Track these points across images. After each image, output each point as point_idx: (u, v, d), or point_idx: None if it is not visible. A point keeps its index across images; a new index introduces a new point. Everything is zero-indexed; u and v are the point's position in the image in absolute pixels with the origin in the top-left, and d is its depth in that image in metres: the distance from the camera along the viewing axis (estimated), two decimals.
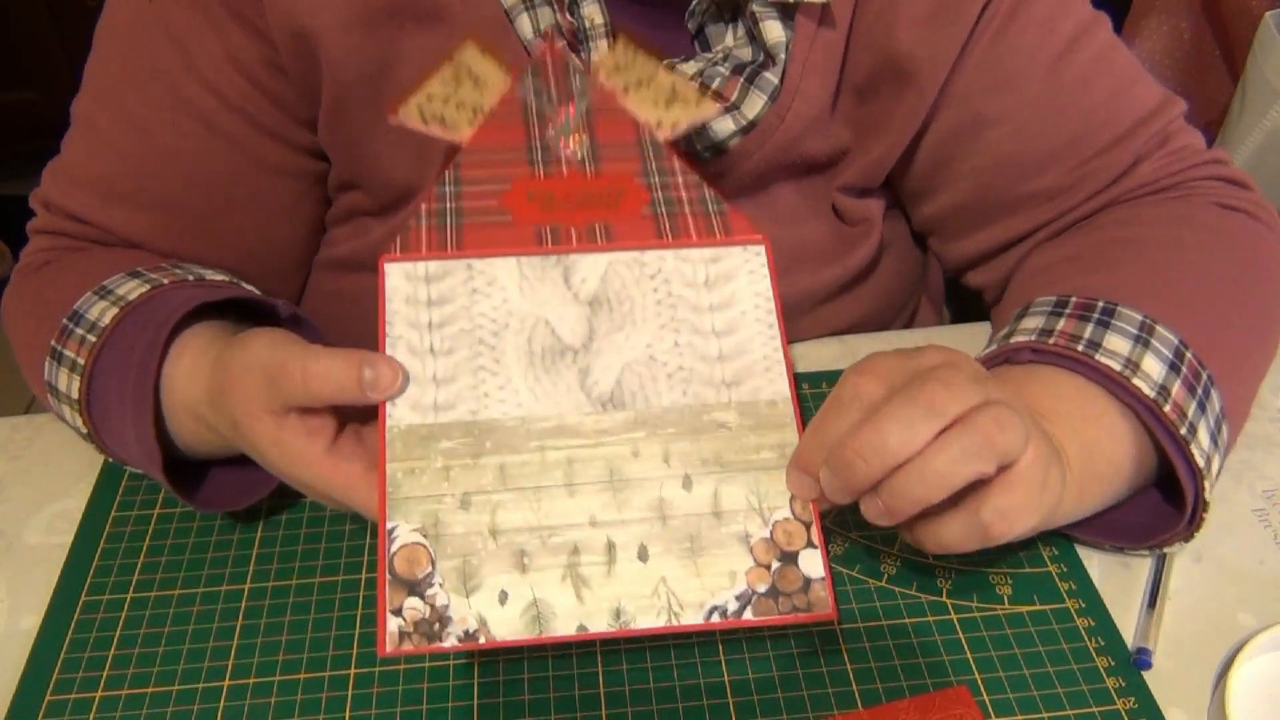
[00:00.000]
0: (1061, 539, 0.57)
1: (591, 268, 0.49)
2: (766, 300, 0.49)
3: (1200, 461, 0.51)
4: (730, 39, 0.62)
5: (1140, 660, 0.51)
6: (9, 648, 0.54)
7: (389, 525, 0.44)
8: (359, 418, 0.49)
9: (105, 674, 0.52)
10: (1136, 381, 0.51)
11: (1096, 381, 0.53)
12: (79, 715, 0.51)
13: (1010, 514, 0.44)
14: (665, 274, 0.49)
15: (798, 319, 0.71)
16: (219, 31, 0.60)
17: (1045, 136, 0.64)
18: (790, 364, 0.47)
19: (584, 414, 0.46)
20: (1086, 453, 0.51)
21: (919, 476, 0.42)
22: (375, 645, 0.43)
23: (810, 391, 0.67)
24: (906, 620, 0.54)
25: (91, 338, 0.55)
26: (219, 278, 0.61)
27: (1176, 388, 0.52)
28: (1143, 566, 0.57)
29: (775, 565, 0.44)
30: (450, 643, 0.42)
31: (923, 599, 0.55)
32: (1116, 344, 0.53)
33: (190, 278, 0.59)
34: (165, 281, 0.58)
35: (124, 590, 0.56)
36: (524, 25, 0.59)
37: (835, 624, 0.53)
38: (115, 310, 0.56)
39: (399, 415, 0.46)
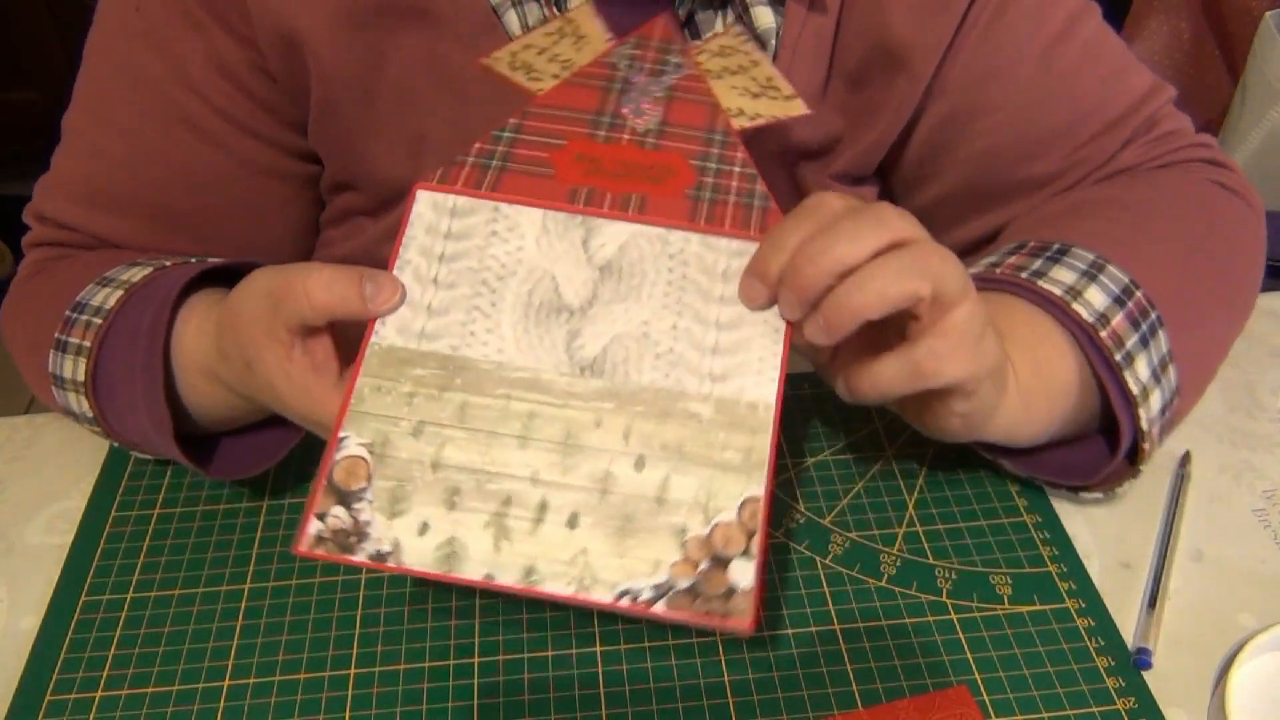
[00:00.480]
0: (1061, 538, 0.58)
1: (614, 235, 0.49)
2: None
3: (1135, 390, 0.52)
4: (720, 26, 0.62)
5: (1140, 660, 0.51)
6: (9, 648, 0.54)
7: (341, 434, 0.44)
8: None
9: (105, 674, 0.52)
10: (1076, 307, 0.53)
11: (1041, 307, 0.55)
12: (79, 715, 0.51)
13: (943, 355, 0.45)
14: (686, 256, 0.48)
15: None
16: (204, 37, 0.60)
17: (1037, 124, 0.65)
18: (784, 374, 0.46)
19: (560, 374, 0.46)
20: (1034, 369, 0.53)
21: (858, 287, 0.43)
22: (294, 543, 0.43)
23: (810, 392, 0.67)
24: (906, 620, 0.54)
25: (97, 321, 0.56)
26: (220, 261, 0.61)
27: (1118, 318, 0.53)
28: (1143, 566, 0.57)
29: (704, 565, 0.43)
30: (360, 558, 0.43)
31: (923, 599, 0.55)
32: (1061, 274, 0.55)
33: (191, 260, 0.59)
34: (167, 264, 0.58)
35: (124, 590, 0.56)
36: (511, 21, 0.59)
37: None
38: (120, 293, 0.56)
39: (384, 334, 0.46)
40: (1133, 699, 0.50)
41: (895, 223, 0.45)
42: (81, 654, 0.53)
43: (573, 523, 0.44)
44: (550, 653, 0.52)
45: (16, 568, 0.58)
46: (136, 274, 0.58)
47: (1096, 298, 0.54)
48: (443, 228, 0.48)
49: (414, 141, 0.62)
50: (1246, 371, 0.68)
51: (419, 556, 0.43)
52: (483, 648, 0.53)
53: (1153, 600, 0.54)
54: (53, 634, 0.54)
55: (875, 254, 0.44)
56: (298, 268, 0.47)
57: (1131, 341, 0.53)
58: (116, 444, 0.61)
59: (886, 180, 0.73)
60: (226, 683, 0.52)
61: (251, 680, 0.52)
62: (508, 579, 0.42)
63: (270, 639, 0.54)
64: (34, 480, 0.64)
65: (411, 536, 0.43)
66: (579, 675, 0.52)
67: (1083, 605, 0.54)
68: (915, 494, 0.60)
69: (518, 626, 0.54)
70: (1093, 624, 0.53)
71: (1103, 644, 0.53)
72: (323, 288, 0.46)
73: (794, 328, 0.46)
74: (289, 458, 0.59)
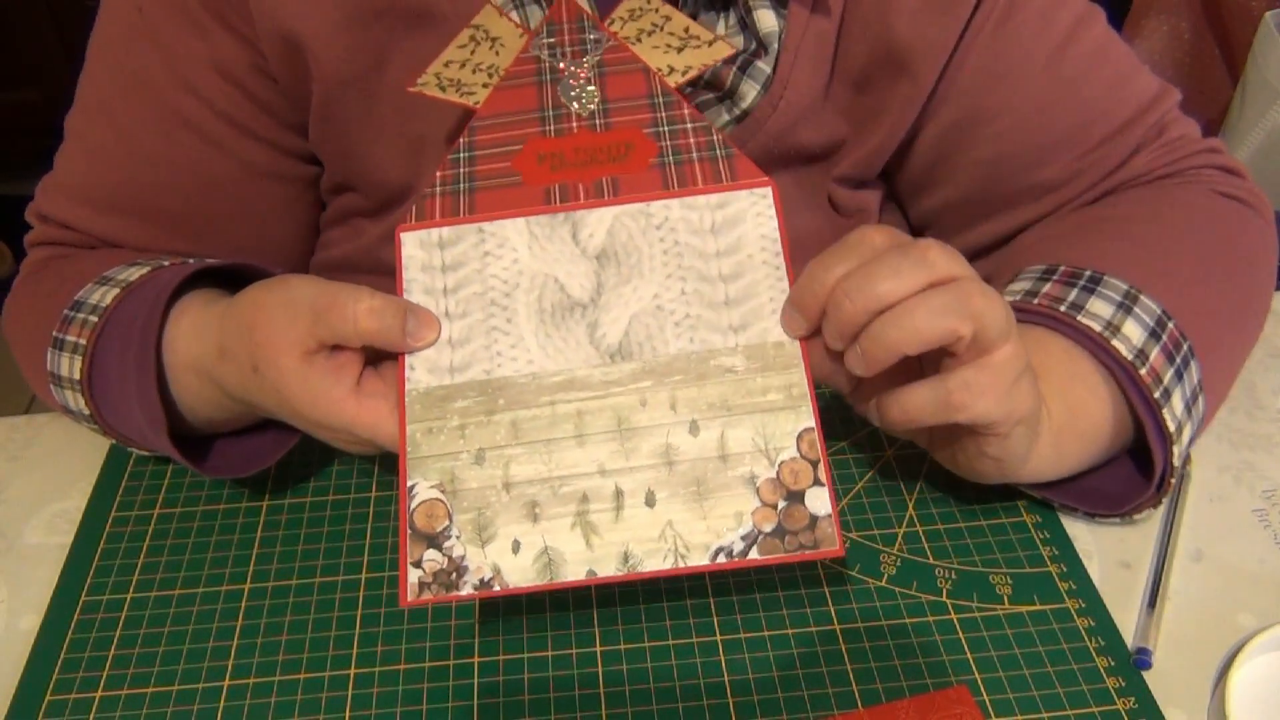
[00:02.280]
0: (1061, 538, 0.58)
1: (598, 222, 0.50)
2: (774, 243, 0.50)
3: (1171, 426, 0.52)
4: (722, 28, 0.62)
5: (1140, 660, 0.51)
6: (9, 648, 0.54)
7: (409, 483, 0.46)
8: (377, 358, 0.50)
9: (105, 674, 0.52)
10: (1116, 343, 0.53)
11: (1078, 343, 0.54)
12: (79, 715, 0.51)
13: (975, 389, 0.46)
14: (671, 223, 0.49)
15: None
16: (206, 39, 0.60)
17: (1045, 129, 0.65)
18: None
19: (593, 366, 0.47)
20: (1069, 410, 0.53)
21: (896, 323, 0.44)
22: (398, 598, 0.45)
23: (828, 389, 0.67)
24: (906, 620, 0.54)
25: (93, 319, 0.56)
26: (218, 261, 0.61)
27: (1155, 353, 0.53)
28: (1143, 566, 0.57)
29: (781, 505, 0.44)
30: (467, 590, 0.44)
31: (923, 599, 0.55)
32: (1099, 308, 0.54)
33: (190, 261, 0.60)
34: (165, 263, 0.59)
35: (124, 590, 0.56)
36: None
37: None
38: (116, 291, 0.57)
39: (417, 379, 0.47)
40: (1133, 699, 0.50)
41: (940, 261, 0.45)
42: (81, 654, 0.53)
43: (650, 500, 0.45)
44: (550, 653, 0.52)
45: (16, 568, 0.58)
46: (134, 274, 0.58)
47: (1134, 332, 0.53)
48: (437, 262, 0.49)
49: (414, 143, 0.62)
50: (1247, 371, 0.68)
51: (521, 574, 0.44)
52: (483, 648, 0.53)
53: (1153, 600, 0.54)
54: (53, 634, 0.54)
55: (917, 291, 0.44)
56: (345, 289, 0.47)
57: (1168, 377, 0.53)
58: (115, 441, 0.61)
59: (892, 184, 0.73)
60: (226, 683, 0.52)
61: (251, 680, 0.52)
62: (608, 570, 0.44)
63: (270, 639, 0.54)
64: (34, 480, 0.64)
65: (508, 557, 0.44)
66: (579, 675, 0.52)
67: (1083, 605, 0.54)
68: (915, 494, 0.60)
69: (518, 626, 0.54)
70: (1093, 624, 0.53)
71: (1103, 644, 0.53)
72: (371, 315, 0.46)
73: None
74: (289, 458, 0.59)
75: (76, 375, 0.56)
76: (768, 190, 0.50)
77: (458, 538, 0.45)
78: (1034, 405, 0.49)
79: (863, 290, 0.44)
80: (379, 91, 0.61)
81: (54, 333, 0.57)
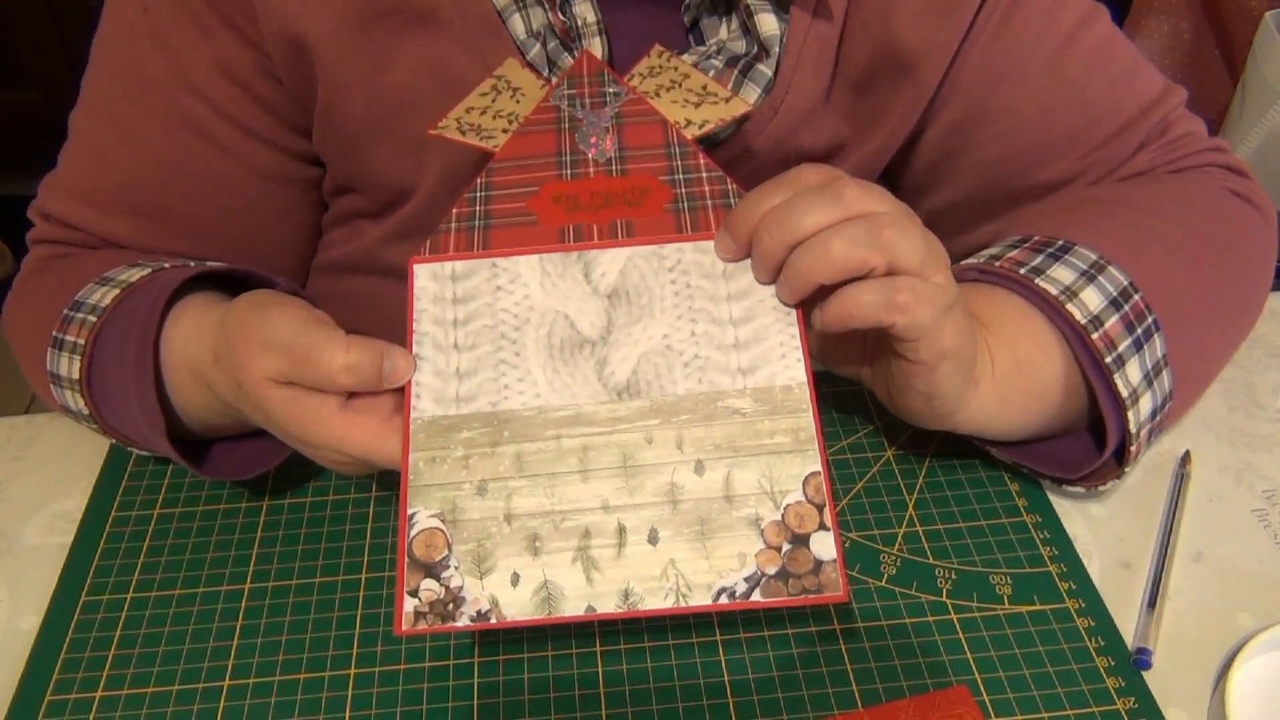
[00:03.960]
0: (1061, 538, 0.58)
1: (611, 262, 0.50)
2: None
3: (1124, 393, 0.53)
4: (724, 32, 0.62)
5: (1140, 660, 0.51)
6: (9, 648, 0.54)
7: (409, 511, 0.45)
8: None
9: (105, 674, 0.52)
10: (1070, 307, 0.53)
11: (1035, 304, 0.55)
12: (79, 715, 0.51)
13: (919, 294, 0.46)
14: (684, 265, 0.50)
15: None
16: (211, 41, 0.60)
17: (1048, 129, 0.65)
18: (808, 348, 0.48)
19: (600, 403, 0.47)
20: (1016, 366, 0.54)
21: (810, 252, 0.46)
22: (393, 625, 0.44)
23: (829, 389, 0.67)
24: (906, 620, 0.54)
25: (92, 319, 0.56)
26: (219, 265, 0.61)
27: (1112, 321, 0.54)
28: (1143, 566, 0.57)
29: (786, 548, 0.44)
30: (463, 622, 0.43)
31: (923, 599, 0.55)
32: (1060, 273, 0.55)
33: (191, 263, 0.60)
34: (166, 265, 0.59)
35: (124, 590, 0.56)
36: (516, 25, 0.59)
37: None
38: (116, 292, 0.57)
39: (423, 407, 0.47)
40: (1133, 699, 0.50)
41: (855, 199, 0.46)
42: (81, 654, 0.53)
43: (653, 538, 0.45)
44: (550, 653, 0.52)
45: (16, 568, 0.58)
46: (134, 275, 0.58)
47: (1092, 299, 0.54)
48: (448, 294, 0.49)
49: (416, 145, 0.62)
50: (1246, 371, 0.68)
51: (519, 607, 0.44)
52: (483, 648, 0.53)
53: (1153, 600, 0.54)
54: (53, 634, 0.54)
55: (831, 225, 0.46)
56: (320, 337, 0.46)
57: (1124, 345, 0.53)
58: (115, 441, 0.61)
59: (895, 185, 0.73)
60: (226, 683, 0.52)
61: (251, 680, 0.52)
62: (607, 606, 0.43)
63: (270, 639, 0.54)
64: (34, 480, 0.64)
65: (506, 590, 0.44)
66: (579, 675, 0.52)
67: (1083, 605, 0.54)
68: (915, 494, 0.60)
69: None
70: (1093, 624, 0.53)
71: (1103, 644, 0.53)
72: (346, 372, 0.46)
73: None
74: (290, 459, 0.59)
75: (75, 375, 0.56)
76: None
77: (456, 568, 0.44)
78: (962, 343, 0.49)
79: (782, 224, 0.46)
80: (382, 93, 0.61)
81: (54, 332, 0.57)
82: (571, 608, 0.43)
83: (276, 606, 0.55)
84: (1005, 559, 0.57)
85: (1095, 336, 0.53)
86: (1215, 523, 0.59)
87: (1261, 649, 0.51)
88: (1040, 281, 0.55)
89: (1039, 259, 0.56)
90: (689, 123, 0.55)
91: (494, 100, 0.56)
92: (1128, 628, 0.54)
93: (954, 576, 0.56)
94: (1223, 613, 0.54)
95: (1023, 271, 0.55)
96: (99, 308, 0.56)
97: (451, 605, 0.43)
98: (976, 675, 0.51)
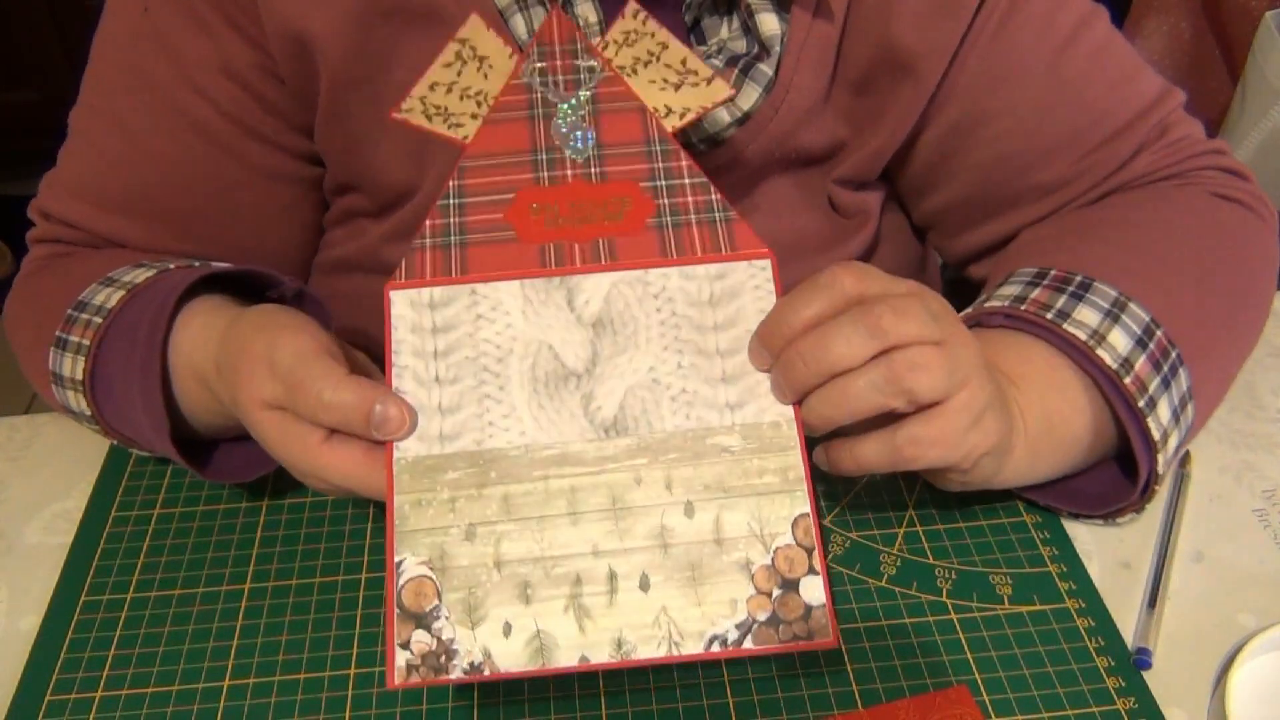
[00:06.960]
0: (1061, 538, 0.58)
1: (595, 289, 0.48)
2: None
3: (1156, 435, 0.53)
4: (725, 32, 0.62)
5: (1140, 660, 0.51)
6: (9, 648, 0.54)
7: (396, 559, 0.44)
8: None
9: (105, 674, 0.52)
10: (1100, 352, 0.53)
11: (1063, 351, 0.55)
12: (79, 715, 0.51)
13: (924, 442, 0.47)
14: (669, 293, 0.48)
15: None
16: (213, 40, 0.60)
17: (1047, 130, 0.65)
18: None
19: (587, 441, 0.46)
20: (1046, 420, 0.53)
21: (828, 397, 0.46)
22: (385, 679, 0.44)
23: None
24: (906, 620, 0.54)
25: (98, 320, 0.56)
26: (226, 266, 0.61)
27: (1141, 362, 0.53)
28: (1143, 566, 0.57)
29: (776, 593, 0.44)
30: (456, 675, 0.43)
31: (923, 599, 0.55)
32: (1086, 315, 0.55)
33: (196, 264, 0.59)
34: (171, 266, 0.59)
35: (124, 590, 0.56)
36: (518, 25, 0.59)
37: (841, 647, 0.53)
38: (122, 293, 0.57)
39: (406, 447, 0.46)
40: (1133, 699, 0.50)
41: (894, 327, 0.45)
42: (81, 654, 0.53)
43: (644, 584, 0.44)
44: None
45: (16, 568, 0.58)
46: (140, 275, 0.58)
47: (1119, 341, 0.54)
48: (427, 323, 0.48)
49: (418, 144, 0.62)
50: (1246, 371, 0.68)
51: (512, 659, 0.43)
52: None
53: (1153, 600, 0.54)
54: (53, 634, 0.54)
55: (866, 360, 0.46)
56: (316, 370, 0.46)
57: (1154, 385, 0.53)
58: (116, 442, 0.61)
59: (894, 185, 0.73)
60: (226, 683, 0.52)
61: (251, 680, 0.52)
62: (600, 657, 0.43)
63: (270, 639, 0.54)
64: (34, 480, 0.64)
65: (498, 641, 0.43)
66: (579, 675, 0.51)
67: (1083, 605, 0.54)
68: (915, 494, 0.60)
69: None
70: (1093, 624, 0.53)
71: (1103, 644, 0.53)
72: (334, 408, 0.45)
73: None
74: None
75: (79, 375, 0.56)
76: (767, 263, 0.49)
77: (447, 618, 0.43)
78: (999, 438, 0.50)
79: (815, 357, 0.45)
80: (385, 92, 0.61)
81: (57, 332, 0.57)
82: (565, 658, 0.43)
83: (276, 606, 0.55)
84: (1005, 559, 0.57)
85: (1128, 381, 0.53)
86: (1215, 523, 0.59)
87: (1261, 649, 0.51)
88: (1068, 327, 0.54)
89: (1062, 300, 0.56)
90: (669, 110, 0.52)
91: (459, 74, 0.53)
92: (1128, 628, 0.54)
93: (954, 576, 0.56)
94: (1223, 613, 0.54)
95: (1049, 316, 0.55)
96: (104, 309, 0.56)
97: (444, 658, 0.43)
98: (976, 675, 0.51)
